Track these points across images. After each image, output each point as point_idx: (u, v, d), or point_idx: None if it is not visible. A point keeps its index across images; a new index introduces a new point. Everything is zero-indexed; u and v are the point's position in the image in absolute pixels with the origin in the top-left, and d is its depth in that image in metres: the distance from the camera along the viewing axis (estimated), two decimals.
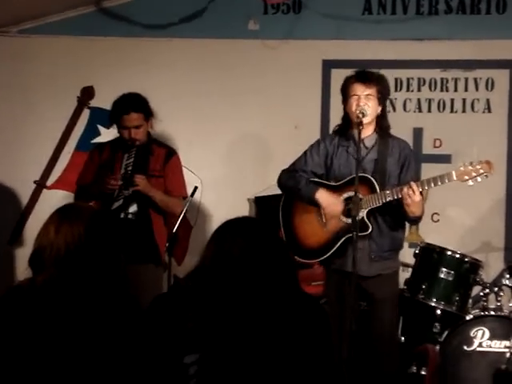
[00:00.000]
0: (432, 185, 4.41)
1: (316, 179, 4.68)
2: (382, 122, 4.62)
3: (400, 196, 4.39)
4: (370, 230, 4.48)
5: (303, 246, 4.70)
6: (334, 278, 4.66)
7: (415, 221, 4.62)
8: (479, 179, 4.39)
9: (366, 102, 4.48)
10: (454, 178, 4.38)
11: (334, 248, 4.58)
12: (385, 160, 4.58)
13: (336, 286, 4.62)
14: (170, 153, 5.21)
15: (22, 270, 2.88)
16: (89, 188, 5.09)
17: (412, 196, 4.31)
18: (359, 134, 4.44)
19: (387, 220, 4.57)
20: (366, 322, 4.68)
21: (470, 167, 4.38)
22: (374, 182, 4.48)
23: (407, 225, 4.87)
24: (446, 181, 4.38)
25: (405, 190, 4.33)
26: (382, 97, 4.57)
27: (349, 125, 4.61)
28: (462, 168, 4.39)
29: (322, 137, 5.08)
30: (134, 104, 5.00)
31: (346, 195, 4.56)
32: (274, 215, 4.83)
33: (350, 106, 4.54)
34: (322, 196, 4.57)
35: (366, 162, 4.57)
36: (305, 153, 4.74)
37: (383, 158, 4.58)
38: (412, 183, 4.34)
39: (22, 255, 5.98)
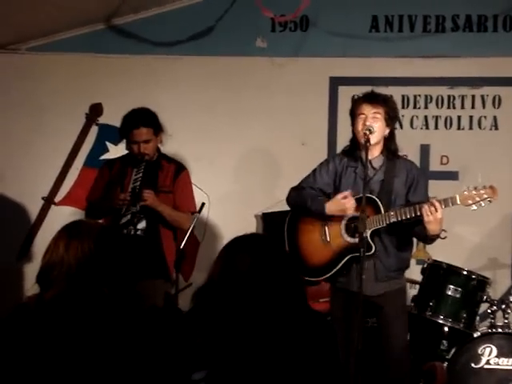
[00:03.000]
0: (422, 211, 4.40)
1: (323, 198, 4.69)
2: (389, 145, 4.62)
3: (417, 214, 4.37)
4: (373, 250, 4.47)
5: (307, 264, 4.69)
6: (339, 297, 4.66)
7: (433, 239, 4.57)
8: (483, 204, 4.38)
9: (372, 122, 4.49)
10: (458, 202, 4.37)
11: (338, 267, 4.58)
12: (391, 181, 4.58)
13: (342, 305, 4.62)
14: (180, 168, 5.22)
15: (30, 285, 2.90)
16: (98, 204, 5.10)
17: (434, 213, 4.31)
18: (366, 151, 4.44)
19: (394, 240, 4.57)
20: (375, 338, 4.68)
21: (474, 192, 4.37)
22: (379, 203, 4.48)
23: (414, 243, 4.86)
24: (450, 204, 4.36)
25: (425, 207, 4.32)
26: (390, 118, 4.57)
27: (357, 146, 4.62)
28: (466, 192, 4.38)
29: (332, 156, 5.08)
30: (143, 118, 5.01)
31: (350, 215, 4.56)
32: (281, 232, 4.84)
33: (356, 126, 4.55)
34: (332, 208, 4.56)
35: (373, 183, 4.57)
36: (314, 171, 4.75)
37: (390, 179, 4.58)
38: (434, 200, 4.34)
39: (30, 271, 6.00)
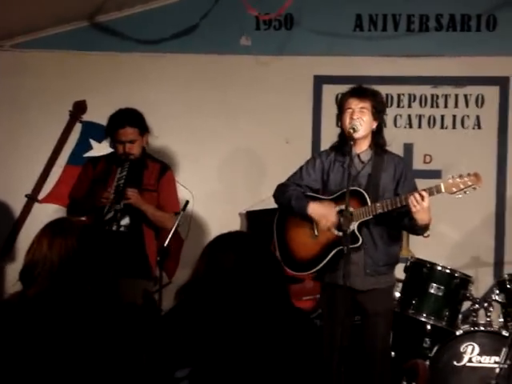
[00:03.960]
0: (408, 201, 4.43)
1: (310, 193, 4.71)
2: (377, 138, 4.65)
3: (403, 204, 4.40)
4: (359, 242, 4.50)
5: (296, 258, 4.72)
6: (327, 292, 4.68)
7: (424, 229, 4.59)
8: (468, 192, 4.41)
9: (359, 116, 4.51)
10: (443, 190, 4.41)
11: (325, 261, 4.60)
12: (379, 175, 4.61)
13: (328, 300, 4.64)
14: (165, 168, 5.24)
15: (13, 283, 2.89)
16: (82, 202, 5.09)
17: (420, 202, 4.33)
18: (350, 148, 4.47)
19: (382, 234, 4.59)
20: (359, 336, 4.70)
21: (459, 179, 4.41)
22: (366, 195, 4.51)
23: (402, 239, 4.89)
24: (435, 193, 4.41)
25: (411, 197, 4.35)
26: (377, 112, 4.60)
27: (344, 141, 4.64)
28: (450, 180, 4.42)
29: (318, 152, 5.10)
30: (129, 118, 5.02)
31: (338, 208, 4.59)
32: (265, 229, 4.85)
33: (343, 121, 4.58)
34: (314, 209, 4.60)
35: (361, 177, 4.60)
36: (301, 168, 4.77)
37: (377, 172, 4.61)
38: (421, 190, 4.37)
39: (13, 268, 5.98)
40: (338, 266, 4.55)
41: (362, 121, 4.52)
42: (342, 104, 4.63)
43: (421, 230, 4.56)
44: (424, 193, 4.34)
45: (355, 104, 4.54)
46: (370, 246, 4.57)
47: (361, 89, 4.63)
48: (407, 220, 4.48)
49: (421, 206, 4.33)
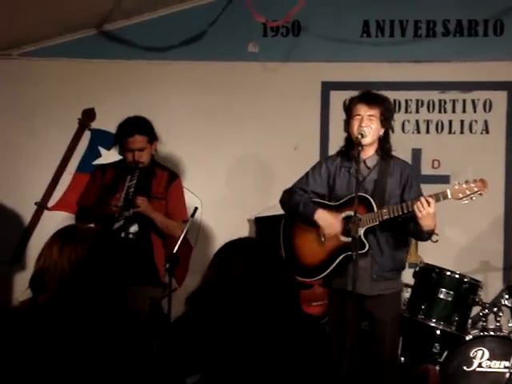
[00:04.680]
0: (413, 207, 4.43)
1: (316, 199, 4.71)
2: (383, 144, 4.65)
3: (409, 210, 4.41)
4: (366, 248, 4.50)
5: (302, 264, 4.72)
6: (334, 298, 4.68)
7: (429, 235, 4.59)
8: (474, 198, 4.42)
9: (368, 124, 4.51)
10: (449, 196, 4.41)
11: (332, 266, 4.60)
12: (385, 180, 4.61)
13: (337, 306, 4.64)
14: (173, 176, 5.26)
15: (22, 290, 2.90)
16: (90, 209, 5.11)
17: (426, 208, 4.33)
18: (358, 154, 4.48)
19: (389, 240, 4.60)
20: (367, 342, 4.69)
21: (465, 185, 4.41)
22: (372, 201, 4.51)
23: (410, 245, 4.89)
24: (441, 199, 4.41)
25: (417, 202, 4.35)
26: (385, 119, 4.59)
27: (351, 146, 4.64)
28: (456, 186, 4.43)
29: (324, 158, 5.11)
30: (138, 127, 5.05)
31: (344, 214, 4.59)
32: (274, 235, 4.85)
33: (351, 127, 4.58)
34: (321, 217, 4.60)
35: (367, 182, 4.60)
36: (307, 173, 4.78)
37: (383, 178, 4.61)
38: (426, 196, 4.37)
39: (23, 276, 6.00)
40: (344, 271, 4.56)
41: (370, 128, 4.52)
42: (350, 109, 4.62)
43: (426, 235, 4.56)
44: (430, 199, 4.35)
45: (364, 111, 4.54)
46: (377, 252, 4.57)
47: (370, 95, 4.62)
48: (412, 225, 4.48)
49: (426, 212, 4.33)
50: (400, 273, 4.73)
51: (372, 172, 4.63)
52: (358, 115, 4.54)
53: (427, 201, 4.33)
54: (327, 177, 4.72)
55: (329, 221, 4.58)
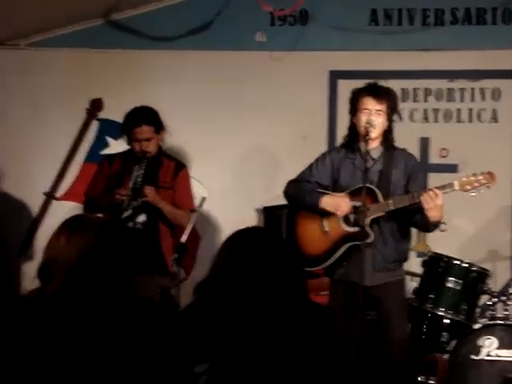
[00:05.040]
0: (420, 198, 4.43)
1: (321, 190, 4.71)
2: (387, 136, 4.65)
3: (415, 201, 4.40)
4: (371, 238, 4.50)
5: (305, 254, 4.72)
6: (338, 289, 4.68)
7: (435, 227, 4.59)
8: (482, 190, 4.42)
9: (376, 118, 4.51)
10: (457, 187, 4.41)
11: (336, 256, 4.61)
12: (390, 171, 4.61)
13: (341, 297, 4.64)
14: (180, 166, 5.27)
15: (31, 279, 2.91)
16: (98, 199, 5.12)
17: (434, 199, 4.33)
18: (366, 144, 4.48)
19: (393, 231, 4.60)
20: (376, 331, 4.70)
21: (473, 177, 4.42)
22: (377, 192, 4.51)
23: (414, 235, 4.88)
24: (448, 190, 4.41)
25: (425, 194, 4.35)
26: (391, 112, 4.61)
27: (355, 137, 4.64)
28: (464, 178, 4.43)
29: (328, 149, 5.11)
30: (145, 117, 5.05)
31: (352, 203, 4.59)
32: (281, 225, 4.86)
33: (358, 120, 4.56)
34: (327, 203, 4.60)
35: (372, 173, 4.60)
36: (310, 165, 4.78)
37: (388, 169, 4.61)
38: (434, 188, 4.37)
39: (32, 266, 6.01)
40: (349, 262, 4.57)
41: (378, 122, 4.52)
42: (357, 101, 4.60)
43: (432, 227, 4.56)
44: (437, 191, 4.34)
45: (372, 105, 4.53)
46: (380, 243, 4.57)
47: (378, 88, 4.60)
48: (419, 217, 4.47)
49: (434, 204, 4.33)
50: (402, 264, 4.73)
51: (377, 163, 4.63)
52: (366, 109, 4.53)
53: (435, 193, 4.33)
54: (331, 168, 4.72)
55: (336, 202, 4.57)
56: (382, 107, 4.54)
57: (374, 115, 4.51)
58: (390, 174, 4.61)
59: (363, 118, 4.53)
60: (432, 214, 4.38)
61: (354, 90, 4.70)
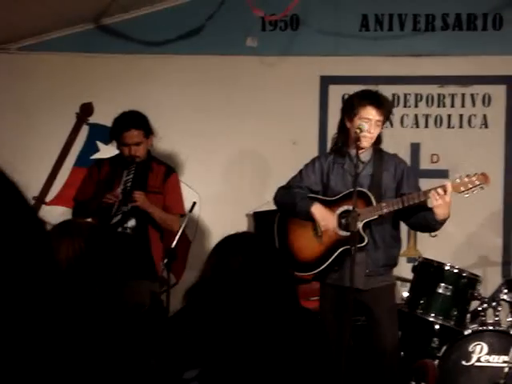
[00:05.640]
0: (429, 196, 4.45)
1: (312, 195, 4.71)
2: (377, 139, 4.66)
3: (422, 200, 4.41)
4: (365, 241, 4.50)
5: (298, 259, 4.72)
6: (329, 293, 4.68)
7: (441, 224, 4.57)
8: (475, 191, 4.42)
9: (375, 129, 4.52)
10: (450, 189, 4.41)
11: (330, 260, 4.60)
12: (380, 174, 4.62)
13: (332, 301, 4.64)
14: (170, 170, 5.26)
15: None
16: (87, 204, 5.11)
17: (443, 196, 4.33)
18: (357, 149, 4.48)
19: (384, 236, 4.61)
20: (366, 337, 4.69)
21: (466, 179, 4.43)
22: (370, 195, 4.52)
23: (405, 240, 4.89)
24: (442, 192, 4.41)
25: (433, 191, 4.36)
26: (386, 120, 4.65)
27: (345, 141, 4.64)
28: (458, 180, 4.44)
29: (318, 155, 5.10)
30: (134, 121, 5.04)
31: (341, 209, 4.60)
32: (272, 230, 4.85)
33: (355, 126, 4.53)
34: (317, 211, 4.59)
35: (362, 177, 4.60)
36: (300, 171, 4.78)
37: (379, 172, 4.62)
38: (446, 184, 4.36)
39: None
40: (342, 267, 4.57)
41: (374, 131, 4.53)
42: (356, 108, 4.54)
43: (438, 224, 4.55)
44: (448, 186, 4.34)
45: (373, 115, 4.51)
46: (371, 247, 4.58)
47: (380, 98, 4.60)
48: (426, 215, 4.47)
49: (443, 200, 4.34)
50: (391, 269, 4.75)
51: (367, 167, 4.63)
52: (367, 118, 4.51)
53: (445, 189, 4.33)
54: (321, 174, 4.72)
55: (324, 215, 4.58)
56: (380, 118, 4.54)
57: (373, 127, 4.51)
58: (380, 178, 4.61)
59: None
60: (441, 211, 4.39)
61: (353, 95, 4.68)
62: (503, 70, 6.23)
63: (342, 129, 4.67)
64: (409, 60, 6.30)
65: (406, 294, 5.24)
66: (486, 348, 4.80)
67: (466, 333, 4.88)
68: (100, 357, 2.64)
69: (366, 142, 4.53)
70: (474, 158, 6.09)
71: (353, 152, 4.54)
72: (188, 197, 5.44)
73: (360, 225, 4.48)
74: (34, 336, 1.45)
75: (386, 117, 4.62)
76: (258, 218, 6.25)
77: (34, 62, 6.57)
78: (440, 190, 4.35)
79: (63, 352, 2.56)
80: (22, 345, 1.42)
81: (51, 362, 2.42)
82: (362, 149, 4.57)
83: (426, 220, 4.55)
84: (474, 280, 5.11)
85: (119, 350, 2.67)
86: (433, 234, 4.75)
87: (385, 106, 4.58)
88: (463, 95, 6.34)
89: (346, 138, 4.63)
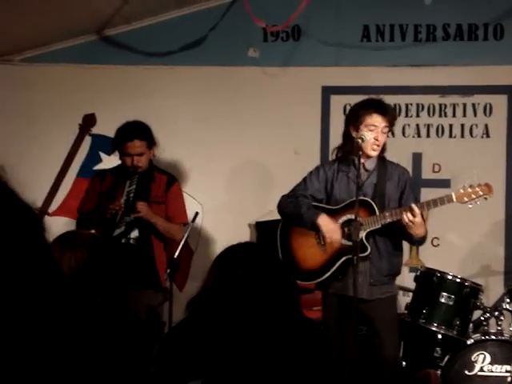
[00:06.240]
0: (432, 206, 4.46)
1: (316, 203, 4.71)
2: (382, 147, 4.67)
3: (399, 218, 4.43)
4: (368, 251, 4.50)
5: (301, 268, 4.72)
6: (333, 303, 4.67)
7: (420, 241, 4.63)
8: (478, 202, 4.43)
9: (382, 137, 4.54)
10: (454, 199, 4.42)
11: (333, 269, 4.60)
12: (384, 184, 4.62)
13: (336, 311, 4.63)
14: (172, 180, 5.27)
15: None
16: (90, 215, 5.12)
17: (412, 219, 4.34)
18: (359, 159, 4.49)
19: (387, 245, 4.61)
20: (368, 347, 4.69)
21: (470, 189, 4.43)
22: (373, 205, 4.52)
23: (407, 250, 4.89)
24: (446, 202, 4.43)
25: (404, 214, 4.37)
26: (391, 128, 4.66)
27: (350, 150, 4.63)
28: (461, 190, 4.45)
29: (322, 163, 5.11)
30: (137, 132, 5.05)
31: (344, 218, 4.60)
32: (274, 240, 4.86)
33: (360, 132, 4.54)
34: (324, 222, 4.59)
35: (366, 186, 4.61)
36: (304, 179, 4.78)
37: (382, 181, 4.62)
38: (412, 205, 4.38)
39: None
40: (346, 276, 4.56)
41: (381, 142, 4.55)
42: (361, 116, 4.55)
43: (417, 242, 4.61)
44: (415, 209, 4.34)
45: (379, 122, 4.52)
46: (375, 256, 4.57)
47: (385, 106, 4.62)
48: (405, 232, 4.49)
49: (413, 222, 4.35)
50: (395, 278, 4.74)
51: (371, 175, 4.64)
52: (374, 126, 4.52)
53: (413, 211, 4.33)
54: (325, 182, 4.72)
55: (330, 227, 4.57)
56: (387, 124, 4.55)
57: (380, 135, 4.52)
58: (384, 187, 4.62)
59: (372, 135, 4.53)
60: (413, 232, 4.41)
61: (358, 104, 4.68)
62: (504, 79, 6.24)
63: (348, 138, 4.66)
64: (410, 70, 6.31)
65: (408, 304, 5.24)
66: (488, 358, 4.80)
67: (469, 342, 4.88)
68: (99, 365, 2.65)
69: (375, 150, 4.54)
70: (475, 167, 6.07)
71: (357, 161, 4.54)
72: (190, 207, 5.45)
73: (363, 234, 4.48)
74: (37, 344, 1.46)
75: (391, 124, 4.61)
76: (261, 227, 6.25)
77: (36, 73, 6.59)
78: (408, 214, 4.35)
79: (64, 360, 2.57)
80: (25, 353, 1.43)
81: (53, 369, 2.43)
82: (369, 157, 4.58)
83: (404, 237, 4.57)
84: (476, 289, 5.10)
85: (118, 360, 2.67)
86: (435, 243, 4.75)
87: (390, 114, 4.60)
88: (465, 105, 6.35)
89: (351, 147, 4.62)
